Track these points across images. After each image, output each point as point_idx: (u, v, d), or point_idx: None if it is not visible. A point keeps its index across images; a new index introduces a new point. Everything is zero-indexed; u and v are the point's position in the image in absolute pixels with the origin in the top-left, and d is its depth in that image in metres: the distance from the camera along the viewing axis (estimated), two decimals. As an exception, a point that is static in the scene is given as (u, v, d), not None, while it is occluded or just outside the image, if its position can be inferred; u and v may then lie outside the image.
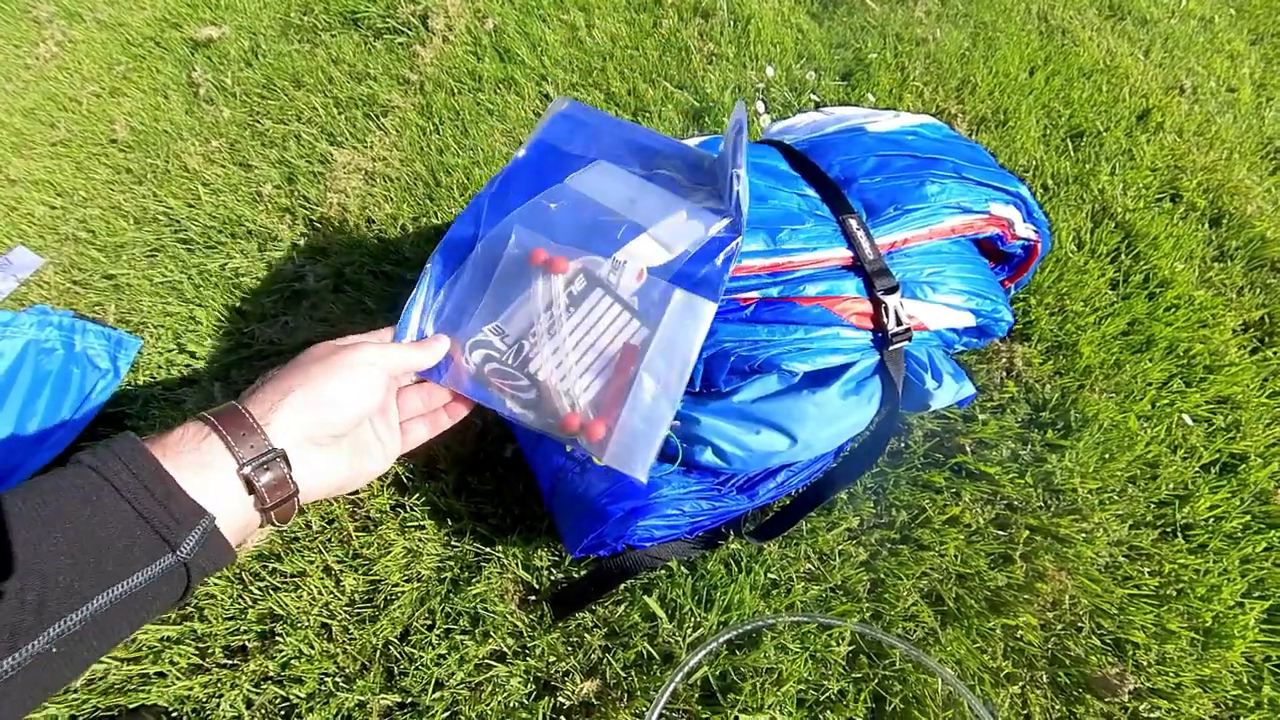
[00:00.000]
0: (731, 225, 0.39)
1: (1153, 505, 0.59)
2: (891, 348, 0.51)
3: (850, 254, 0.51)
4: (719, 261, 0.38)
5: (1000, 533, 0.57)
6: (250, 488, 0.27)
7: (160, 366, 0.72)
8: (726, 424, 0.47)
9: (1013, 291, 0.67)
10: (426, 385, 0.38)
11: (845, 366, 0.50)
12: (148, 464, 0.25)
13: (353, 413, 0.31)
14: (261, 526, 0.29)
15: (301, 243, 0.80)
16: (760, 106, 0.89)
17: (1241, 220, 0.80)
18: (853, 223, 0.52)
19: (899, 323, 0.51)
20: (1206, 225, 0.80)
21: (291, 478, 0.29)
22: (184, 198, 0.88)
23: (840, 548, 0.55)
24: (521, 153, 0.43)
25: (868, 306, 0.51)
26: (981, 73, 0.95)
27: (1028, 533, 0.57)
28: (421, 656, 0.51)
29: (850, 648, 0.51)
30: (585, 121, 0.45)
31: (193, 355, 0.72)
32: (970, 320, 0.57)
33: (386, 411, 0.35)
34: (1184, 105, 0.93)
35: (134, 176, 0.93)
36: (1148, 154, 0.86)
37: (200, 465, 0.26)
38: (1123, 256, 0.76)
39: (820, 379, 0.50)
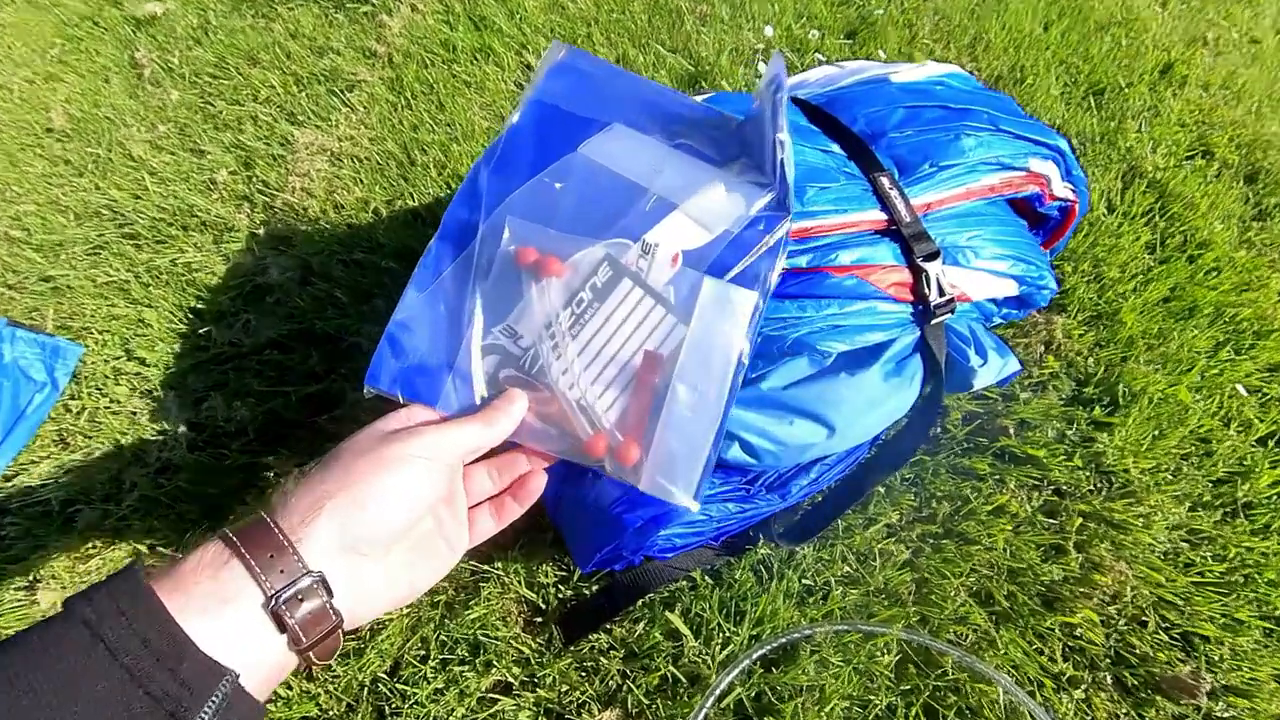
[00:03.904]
0: (777, 201, 0.32)
1: (1210, 484, 0.55)
2: (934, 321, 0.45)
3: (884, 216, 0.45)
4: (765, 246, 0.31)
5: (1050, 521, 0.52)
6: (282, 625, 0.22)
7: (107, 376, 0.64)
8: (754, 415, 0.41)
9: (1048, 258, 0.62)
10: (499, 458, 0.31)
11: (884, 345, 0.45)
12: (153, 613, 0.20)
13: (404, 519, 0.25)
14: (299, 669, 0.24)
15: (262, 233, 0.72)
16: (763, 68, 0.82)
17: (1278, 176, 0.75)
18: (884, 181, 0.46)
19: (941, 293, 0.45)
20: (1241, 182, 0.75)
21: (332, 606, 0.23)
22: (129, 189, 0.79)
23: (880, 546, 0.50)
24: (515, 117, 0.35)
25: (906, 276, 0.45)
26: (994, 28, 0.89)
27: (1080, 520, 0.52)
28: (416, 693, 0.45)
29: (897, 656, 0.46)
30: (589, 74, 0.37)
31: (143, 362, 0.64)
32: (1013, 289, 0.52)
33: (453, 499, 0.29)
34: (1207, 58, 0.88)
35: (73, 168, 0.84)
36: (1174, 110, 0.81)
37: (219, 601, 0.21)
38: (1157, 218, 0.71)
39: (855, 360, 0.44)
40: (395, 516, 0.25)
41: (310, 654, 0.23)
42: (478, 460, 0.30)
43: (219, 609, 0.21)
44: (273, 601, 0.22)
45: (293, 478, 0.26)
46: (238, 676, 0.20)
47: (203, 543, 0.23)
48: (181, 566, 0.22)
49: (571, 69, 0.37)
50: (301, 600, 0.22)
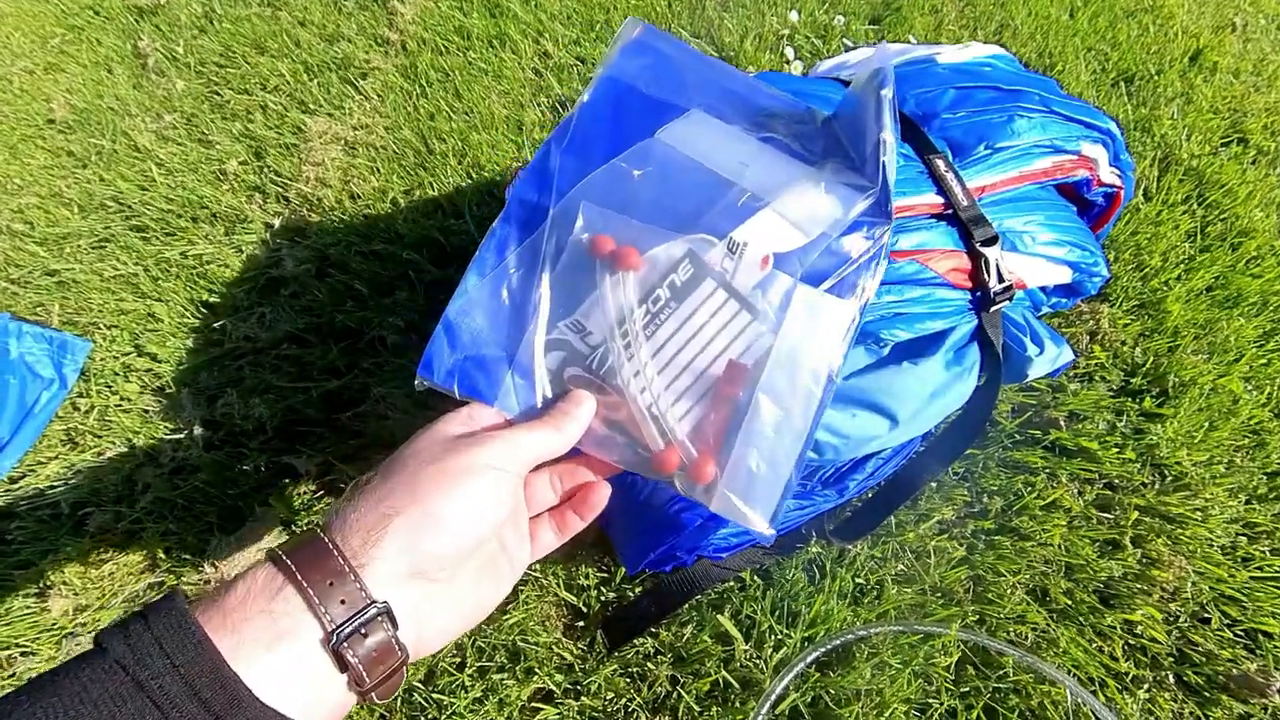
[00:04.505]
0: (877, 206, 0.30)
1: (1265, 477, 0.53)
2: (992, 309, 0.43)
3: (941, 200, 0.43)
4: (866, 255, 0.29)
5: (1105, 515, 0.51)
6: (343, 663, 0.20)
7: (116, 372, 0.61)
8: (815, 407, 0.39)
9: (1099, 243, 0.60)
10: (560, 465, 0.29)
11: (943, 333, 0.43)
12: (201, 655, 0.18)
13: (477, 536, 0.23)
14: (358, 707, 0.21)
15: (276, 224, 0.70)
16: (789, 53, 0.80)
17: (1315, 162, 0.74)
18: (940, 163, 0.44)
19: (1000, 279, 0.43)
20: (1278, 169, 0.74)
21: (398, 640, 0.21)
22: (135, 180, 0.76)
23: (933, 543, 0.48)
24: (586, 96, 0.33)
25: (964, 261, 0.43)
26: (1021, 15, 0.87)
27: (1136, 514, 0.50)
28: (453, 703, 0.42)
29: (955, 658, 0.44)
30: (667, 56, 0.35)
31: (154, 358, 0.62)
32: (1066, 275, 0.50)
33: (517, 512, 0.26)
34: (1236, 44, 0.87)
35: (76, 159, 0.81)
36: (1206, 96, 0.79)
37: (274, 637, 0.19)
38: (1195, 206, 0.69)
39: (913, 349, 0.43)
40: (468, 532, 0.22)
41: (373, 694, 0.21)
42: (539, 468, 0.28)
43: (274, 646, 0.19)
44: (334, 638, 0.19)
45: (353, 487, 0.23)
46: None
47: (250, 565, 0.21)
48: (228, 596, 0.19)
49: (647, 47, 0.35)
50: (365, 635, 0.20)
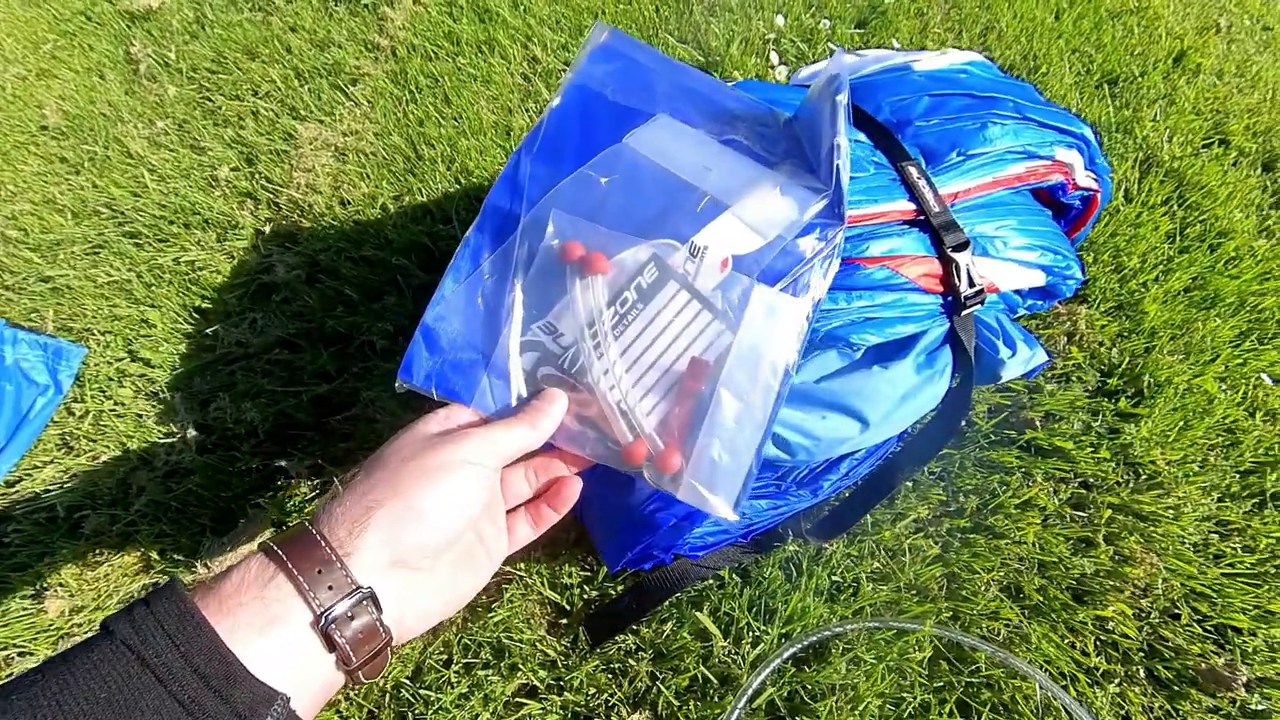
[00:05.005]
0: (830, 208, 0.31)
1: (1237, 475, 0.54)
2: (964, 312, 0.44)
3: (913, 206, 0.44)
4: (819, 256, 0.30)
5: (1079, 514, 0.52)
6: (331, 644, 0.21)
7: (110, 378, 0.62)
8: (788, 409, 0.40)
9: (1074, 247, 0.61)
10: (535, 460, 0.30)
11: (914, 337, 0.44)
12: (200, 635, 0.19)
13: (454, 528, 0.24)
14: (346, 687, 0.23)
15: (267, 230, 0.71)
16: (774, 58, 0.81)
17: (1295, 163, 0.74)
18: (912, 170, 0.45)
19: (971, 284, 0.44)
20: (1259, 170, 0.75)
21: (382, 623, 0.22)
22: (128, 186, 0.77)
23: (909, 541, 0.49)
24: (556, 100, 0.34)
25: (935, 266, 0.44)
26: (1006, 17, 0.88)
27: (1109, 512, 0.51)
28: (439, 699, 0.44)
29: (929, 653, 0.45)
30: (635, 61, 0.36)
31: (147, 363, 0.63)
32: (1040, 279, 0.51)
33: (493, 505, 0.28)
34: (1220, 45, 0.88)
35: (69, 166, 0.82)
36: (1189, 97, 0.80)
37: (266, 621, 0.20)
38: (1175, 207, 0.70)
39: (885, 352, 0.44)
40: (446, 525, 0.24)
41: (359, 673, 0.22)
42: (515, 462, 0.29)
43: (267, 629, 0.20)
44: (322, 620, 0.21)
45: (339, 484, 0.25)
46: (289, 700, 0.20)
47: (244, 556, 0.22)
48: (224, 584, 0.21)
49: (614, 53, 0.36)
50: (351, 618, 0.21)
